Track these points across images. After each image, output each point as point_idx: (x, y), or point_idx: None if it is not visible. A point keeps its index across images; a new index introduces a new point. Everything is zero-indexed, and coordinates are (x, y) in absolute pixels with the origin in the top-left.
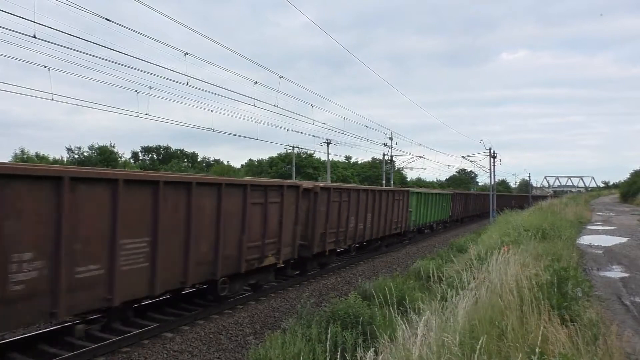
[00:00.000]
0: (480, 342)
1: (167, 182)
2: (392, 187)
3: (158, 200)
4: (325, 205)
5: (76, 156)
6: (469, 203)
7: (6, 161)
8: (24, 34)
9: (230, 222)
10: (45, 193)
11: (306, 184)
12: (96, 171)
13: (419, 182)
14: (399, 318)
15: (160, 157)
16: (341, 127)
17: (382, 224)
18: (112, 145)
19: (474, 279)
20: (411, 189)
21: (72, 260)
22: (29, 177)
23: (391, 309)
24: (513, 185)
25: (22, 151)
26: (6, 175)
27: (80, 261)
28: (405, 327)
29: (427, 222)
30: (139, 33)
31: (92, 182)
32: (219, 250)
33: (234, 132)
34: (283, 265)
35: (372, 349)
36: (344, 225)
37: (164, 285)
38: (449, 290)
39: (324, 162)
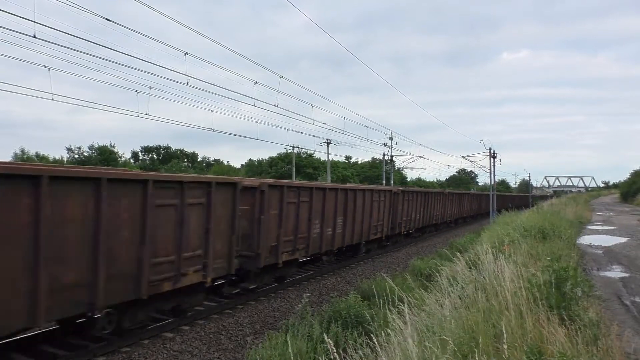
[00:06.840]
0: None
1: None
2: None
3: None
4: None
5: (76, 156)
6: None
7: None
8: (24, 34)
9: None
10: None
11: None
12: None
13: (419, 182)
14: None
15: (160, 157)
16: (341, 127)
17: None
18: (112, 145)
19: (473, 279)
20: None
21: None
22: None
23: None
24: (513, 185)
25: (22, 151)
26: None
27: None
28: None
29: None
30: (139, 33)
31: None
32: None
33: (234, 132)
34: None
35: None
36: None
37: None
38: (448, 289)
39: (324, 162)
